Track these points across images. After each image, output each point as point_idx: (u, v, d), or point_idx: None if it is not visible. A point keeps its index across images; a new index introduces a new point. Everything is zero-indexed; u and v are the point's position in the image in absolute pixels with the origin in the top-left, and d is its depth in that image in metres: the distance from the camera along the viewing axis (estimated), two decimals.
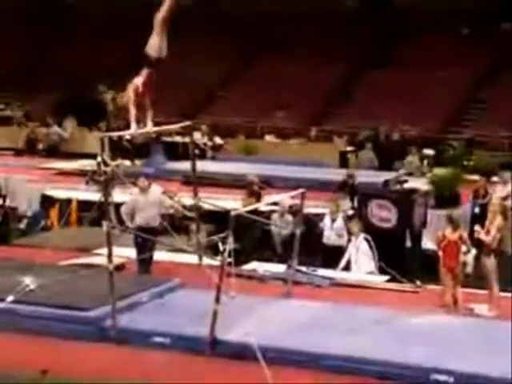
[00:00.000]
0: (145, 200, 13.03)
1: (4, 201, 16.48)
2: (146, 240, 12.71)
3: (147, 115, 10.86)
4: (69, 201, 17.21)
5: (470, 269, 13.19)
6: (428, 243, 14.81)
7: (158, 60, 10.79)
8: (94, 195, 15.62)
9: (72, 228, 16.69)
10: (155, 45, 10.79)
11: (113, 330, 10.21)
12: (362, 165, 22.41)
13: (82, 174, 19.41)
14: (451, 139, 25.54)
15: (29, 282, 10.96)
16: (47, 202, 17.90)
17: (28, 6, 33.39)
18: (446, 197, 17.88)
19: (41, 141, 26.71)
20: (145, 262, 12.98)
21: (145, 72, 10.81)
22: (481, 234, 11.48)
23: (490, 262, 11.46)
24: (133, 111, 10.62)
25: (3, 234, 16.04)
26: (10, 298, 10.48)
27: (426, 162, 22.62)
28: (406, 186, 19.31)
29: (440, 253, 11.78)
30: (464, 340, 9.91)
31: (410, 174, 21.19)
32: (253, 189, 16.37)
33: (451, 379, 8.94)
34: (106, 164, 10.53)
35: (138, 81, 10.75)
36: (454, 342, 9.85)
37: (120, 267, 12.18)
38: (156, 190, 13.48)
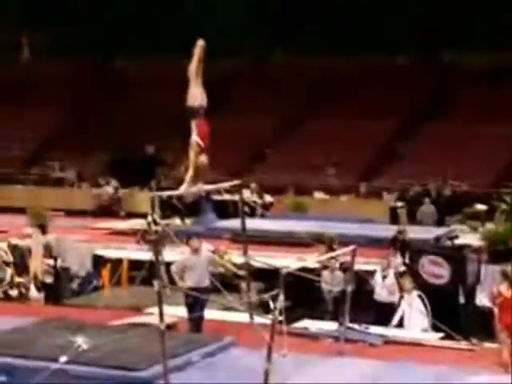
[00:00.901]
0: (196, 260, 13.09)
1: (55, 261, 16.66)
2: (196, 299, 12.74)
3: (200, 174, 10.92)
4: (120, 260, 17.34)
5: None
6: (482, 299, 14.63)
7: (201, 109, 10.92)
8: (144, 254, 15.75)
9: (123, 287, 16.78)
10: (195, 95, 10.94)
11: None
12: (425, 220, 22.42)
13: (132, 233, 19.57)
14: (504, 193, 25.33)
15: (81, 342, 11.02)
16: (99, 261, 18.05)
17: (80, 70, 34.19)
18: (499, 252, 17.68)
19: (121, 202, 26.90)
20: (196, 322, 12.99)
21: (194, 125, 10.93)
22: None
23: None
24: (190, 172, 10.73)
25: (55, 294, 16.20)
26: (64, 359, 10.55)
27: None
28: (457, 241, 19.15)
29: (495, 309, 11.63)
30: None
31: None
32: (331, 246, 16.28)
33: None
34: (156, 223, 10.62)
35: (195, 138, 10.85)
36: None
37: (171, 326, 12.21)
38: (206, 249, 13.53)
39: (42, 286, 16.18)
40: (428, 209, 23.06)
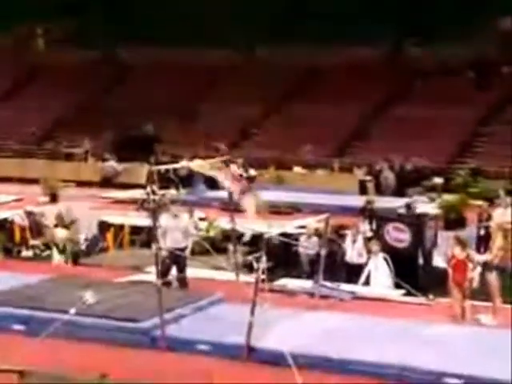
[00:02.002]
0: (175, 223, 13.03)
1: (68, 230, 16.53)
2: (176, 259, 12.67)
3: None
4: (122, 225, 17.29)
5: (476, 284, 13.05)
6: (438, 261, 14.70)
7: None
8: (144, 221, 15.72)
9: (125, 249, 16.76)
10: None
11: (162, 339, 10.24)
12: (389, 184, 22.64)
13: (133, 202, 19.51)
14: (458, 169, 25.40)
15: (89, 296, 11.03)
16: (104, 226, 17.99)
17: (89, 59, 34.01)
18: (453, 220, 17.73)
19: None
20: (180, 280, 12.89)
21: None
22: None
23: (493, 277, 11.36)
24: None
25: (75, 256, 16.20)
26: (73, 311, 10.56)
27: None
28: (417, 210, 19.17)
29: (449, 270, 11.71)
30: (471, 346, 9.82)
31: None
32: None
33: (461, 382, 8.85)
34: (154, 193, 10.60)
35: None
36: (463, 348, 9.76)
37: (167, 284, 12.20)
38: (185, 217, 13.40)
39: (63, 251, 16.06)
40: (388, 175, 23.22)
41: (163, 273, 12.46)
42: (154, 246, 10.38)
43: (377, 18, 30.26)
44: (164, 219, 13.18)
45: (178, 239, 12.93)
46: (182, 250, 12.78)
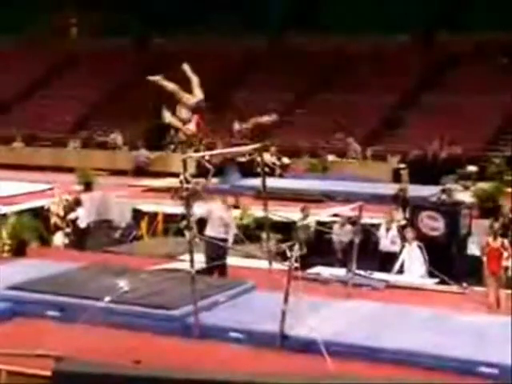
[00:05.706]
0: (217, 215, 13.06)
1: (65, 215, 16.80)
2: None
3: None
4: (156, 214, 17.36)
5: (510, 272, 12.92)
6: (473, 249, 14.57)
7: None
8: (177, 209, 15.77)
9: (159, 237, 16.83)
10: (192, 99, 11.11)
11: (195, 327, 10.27)
12: None
13: (167, 190, 19.57)
14: (493, 157, 25.12)
15: (123, 284, 11.10)
16: (137, 215, 18.09)
17: (126, 49, 34.17)
18: (488, 208, 17.56)
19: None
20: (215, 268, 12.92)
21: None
22: None
23: None
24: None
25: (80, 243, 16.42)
26: (108, 298, 10.63)
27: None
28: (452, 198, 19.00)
29: (484, 258, 11.61)
30: (506, 336, 9.71)
31: None
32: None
33: (496, 371, 8.78)
34: (187, 182, 10.62)
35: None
36: (498, 338, 9.66)
37: (201, 271, 12.24)
38: (217, 207, 13.37)
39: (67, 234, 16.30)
40: None
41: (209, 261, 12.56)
42: (187, 234, 10.40)
43: (408, 3, 30.10)
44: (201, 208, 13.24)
45: (220, 230, 12.92)
46: (223, 241, 12.78)
